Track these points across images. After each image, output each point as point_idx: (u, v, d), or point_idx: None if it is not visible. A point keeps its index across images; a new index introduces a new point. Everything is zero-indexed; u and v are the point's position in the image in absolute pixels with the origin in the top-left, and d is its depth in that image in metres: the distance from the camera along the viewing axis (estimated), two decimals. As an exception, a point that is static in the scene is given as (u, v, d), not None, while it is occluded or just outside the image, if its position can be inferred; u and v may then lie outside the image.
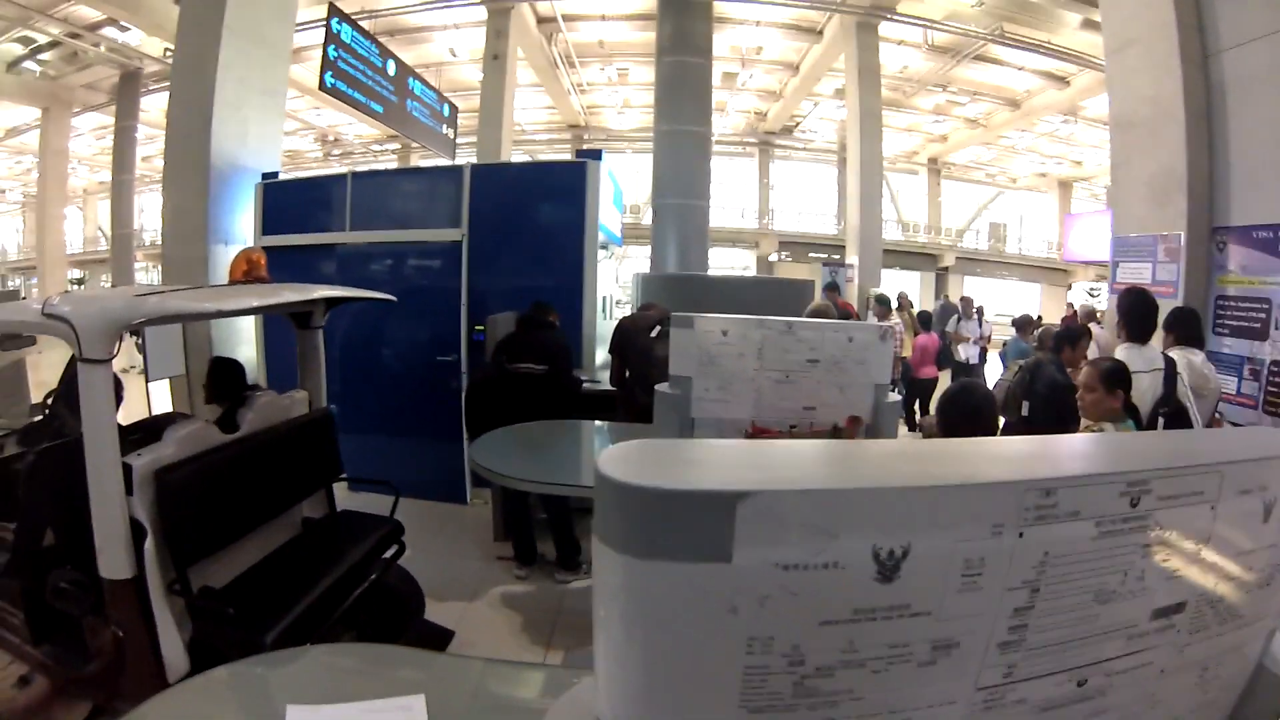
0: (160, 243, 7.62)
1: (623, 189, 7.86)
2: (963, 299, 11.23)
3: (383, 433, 5.39)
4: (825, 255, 19.71)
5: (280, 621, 2.32)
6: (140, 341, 5.39)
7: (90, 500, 2.07)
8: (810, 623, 0.41)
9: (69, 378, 3.34)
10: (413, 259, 5.48)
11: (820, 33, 16.44)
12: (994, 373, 8.28)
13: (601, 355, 5.60)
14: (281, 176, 6.27)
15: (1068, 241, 16.37)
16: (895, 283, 18.14)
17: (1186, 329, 3.82)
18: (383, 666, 1.48)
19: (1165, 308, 4.03)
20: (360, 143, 25.14)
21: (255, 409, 2.88)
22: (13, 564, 2.43)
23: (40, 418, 3.74)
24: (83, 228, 28.38)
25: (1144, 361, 3.41)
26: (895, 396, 2.28)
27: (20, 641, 2.48)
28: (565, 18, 15.80)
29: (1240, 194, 4.67)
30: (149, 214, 23.92)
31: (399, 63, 9.27)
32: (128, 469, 2.16)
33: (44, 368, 5.64)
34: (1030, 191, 27.47)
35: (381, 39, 9.41)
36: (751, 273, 23.84)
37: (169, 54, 14.28)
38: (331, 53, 7.53)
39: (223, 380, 3.17)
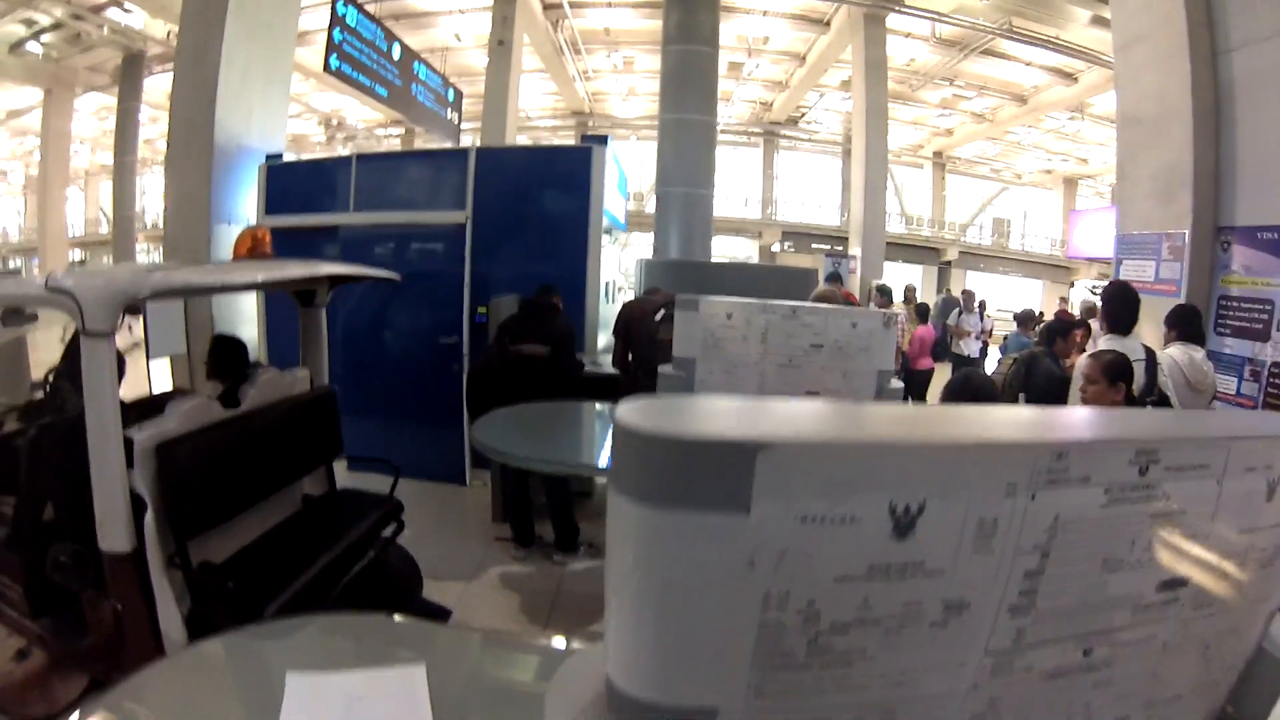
0: (162, 225, 7.62)
1: (627, 175, 7.85)
2: (964, 292, 11.24)
3: (383, 413, 5.40)
4: (828, 246, 19.67)
5: (279, 597, 2.33)
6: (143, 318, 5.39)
7: (91, 473, 2.07)
8: (826, 578, 0.41)
9: (71, 354, 3.34)
10: (416, 241, 5.47)
11: (827, 24, 16.38)
12: (994, 367, 8.29)
13: (604, 340, 5.60)
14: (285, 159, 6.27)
15: (1072, 237, 16.38)
16: (897, 275, 18.14)
17: (1188, 326, 3.86)
18: (383, 637, 1.49)
19: (1168, 306, 4.08)
20: (364, 127, 25.09)
21: (257, 385, 2.88)
22: (12, 538, 2.43)
23: (41, 395, 3.74)
24: (84, 209, 28.25)
25: (1126, 352, 3.46)
26: (898, 384, 2.28)
27: (19, 615, 2.49)
28: (571, 4, 15.75)
29: (1246, 194, 4.66)
30: (151, 196, 23.87)
31: (404, 47, 9.24)
32: (129, 442, 2.15)
33: (43, 347, 5.63)
34: (1035, 188, 27.42)
35: (386, 23, 9.38)
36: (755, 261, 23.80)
37: (172, 36, 14.21)
38: (336, 35, 7.51)
39: (225, 357, 3.17)
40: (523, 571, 4.10)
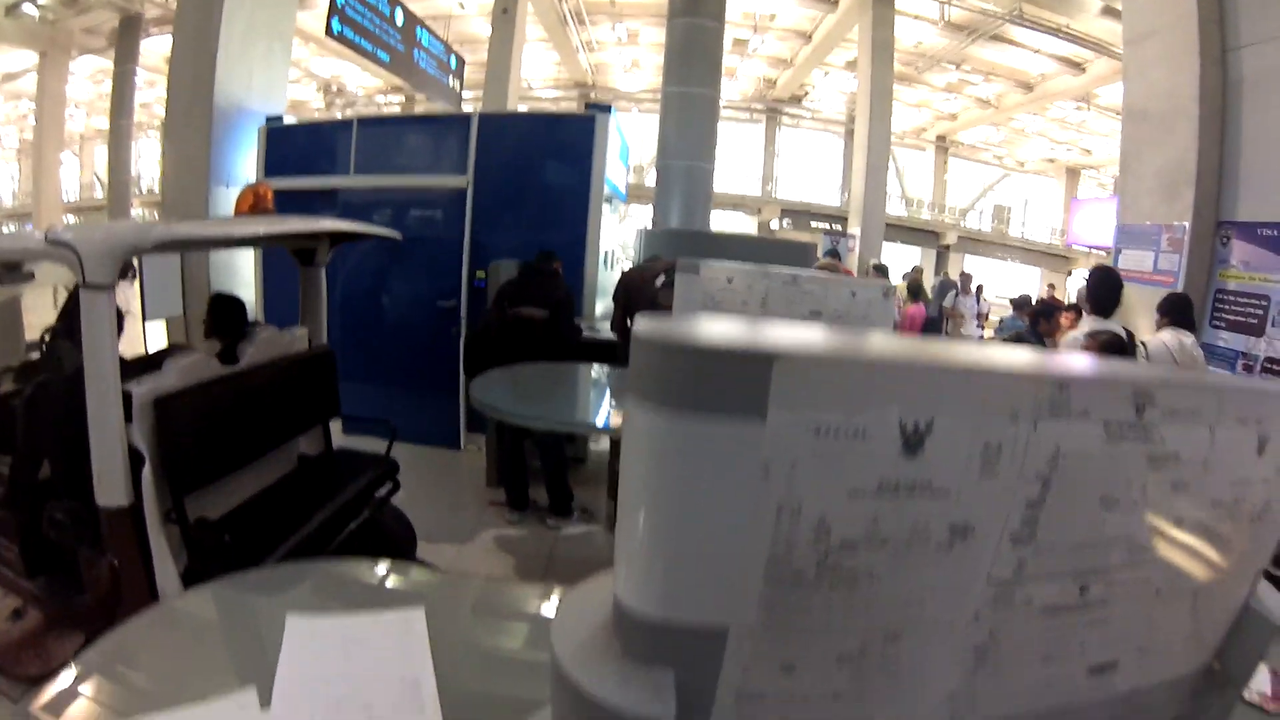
0: (158, 189, 7.53)
1: (629, 145, 7.80)
2: (962, 274, 11.25)
3: (380, 377, 5.41)
4: (827, 225, 19.61)
5: (274, 553, 2.35)
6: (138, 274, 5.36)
7: (89, 426, 2.06)
8: (838, 492, 0.42)
9: (69, 313, 3.32)
10: (416, 206, 5.44)
11: (835, 2, 16.21)
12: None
13: (603, 306, 5.60)
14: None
15: (1072, 225, 16.35)
16: (896, 256, 18.12)
17: (1179, 313, 3.96)
18: (382, 581, 1.50)
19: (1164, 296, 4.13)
20: (364, 93, 24.82)
21: (256, 343, 2.88)
22: (8, 496, 2.44)
23: (37, 355, 3.72)
24: (79, 174, 27.92)
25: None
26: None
27: (14, 575, 2.50)
28: (577, -27, 15.56)
29: (1248, 190, 4.67)
30: (146, 161, 23.59)
31: (407, 12, 9.11)
32: (127, 397, 2.16)
33: (39, 309, 5.60)
34: (1037, 176, 27.34)
35: (390, -14, 9.24)
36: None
37: (170, -3, 14.00)
38: (339, -1, 7.40)
39: (223, 315, 3.15)
40: (516, 535, 4.13)
